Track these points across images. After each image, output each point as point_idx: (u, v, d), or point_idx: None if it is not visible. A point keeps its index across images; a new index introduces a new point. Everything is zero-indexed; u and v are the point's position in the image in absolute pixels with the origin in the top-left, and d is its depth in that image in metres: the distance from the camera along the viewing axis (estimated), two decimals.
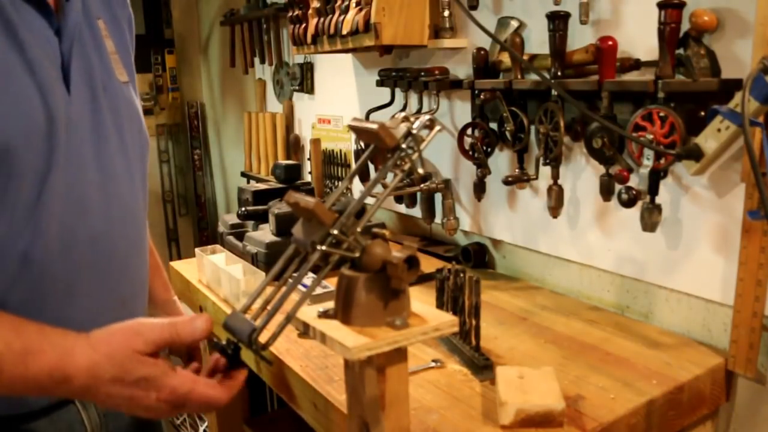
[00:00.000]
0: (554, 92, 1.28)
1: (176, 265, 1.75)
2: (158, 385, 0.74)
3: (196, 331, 0.79)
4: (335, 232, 0.69)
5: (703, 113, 1.09)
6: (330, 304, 0.75)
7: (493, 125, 1.50)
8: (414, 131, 0.73)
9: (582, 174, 1.38)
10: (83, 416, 0.90)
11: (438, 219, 1.71)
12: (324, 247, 0.70)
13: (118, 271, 0.89)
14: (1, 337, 0.69)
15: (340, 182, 2.24)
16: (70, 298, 0.83)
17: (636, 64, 1.19)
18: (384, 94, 1.84)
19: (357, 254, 0.71)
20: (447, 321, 0.73)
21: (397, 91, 1.79)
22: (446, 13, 1.57)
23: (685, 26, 1.08)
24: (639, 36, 1.21)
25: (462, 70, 1.62)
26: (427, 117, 0.79)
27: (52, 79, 0.78)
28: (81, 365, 0.72)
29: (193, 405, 0.78)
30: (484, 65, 1.47)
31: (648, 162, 1.12)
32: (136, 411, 0.76)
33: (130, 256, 0.92)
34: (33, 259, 0.78)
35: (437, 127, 0.80)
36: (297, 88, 2.46)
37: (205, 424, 2.66)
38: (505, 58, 1.43)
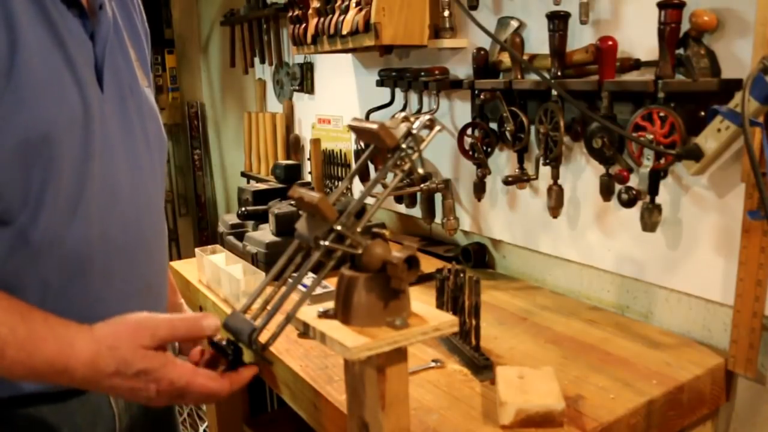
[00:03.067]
0: (554, 92, 1.28)
1: (176, 265, 1.74)
2: (157, 377, 0.76)
3: (203, 329, 0.81)
4: (339, 227, 0.69)
5: (703, 113, 1.09)
6: (330, 304, 0.75)
7: (493, 125, 1.50)
8: (414, 131, 0.73)
9: (582, 174, 1.38)
10: (110, 398, 0.93)
11: (438, 219, 1.71)
12: (327, 243, 0.70)
13: (146, 255, 0.95)
14: (7, 323, 0.71)
15: (340, 182, 2.24)
16: (107, 281, 0.87)
17: (636, 64, 1.19)
18: (384, 94, 1.84)
19: (360, 250, 0.71)
20: (447, 321, 0.73)
21: (397, 91, 1.79)
22: (446, 13, 1.57)
23: (685, 26, 1.08)
24: (639, 36, 1.20)
25: (462, 70, 1.62)
26: (427, 117, 0.79)
27: (88, 78, 0.83)
28: (81, 358, 0.73)
29: (192, 396, 0.80)
30: (484, 65, 1.47)
31: (648, 162, 1.12)
32: (138, 401, 0.79)
33: (154, 242, 0.97)
34: (75, 243, 0.82)
35: (437, 127, 0.80)
36: (297, 88, 2.46)
37: (205, 424, 2.66)
38: (505, 58, 1.43)
